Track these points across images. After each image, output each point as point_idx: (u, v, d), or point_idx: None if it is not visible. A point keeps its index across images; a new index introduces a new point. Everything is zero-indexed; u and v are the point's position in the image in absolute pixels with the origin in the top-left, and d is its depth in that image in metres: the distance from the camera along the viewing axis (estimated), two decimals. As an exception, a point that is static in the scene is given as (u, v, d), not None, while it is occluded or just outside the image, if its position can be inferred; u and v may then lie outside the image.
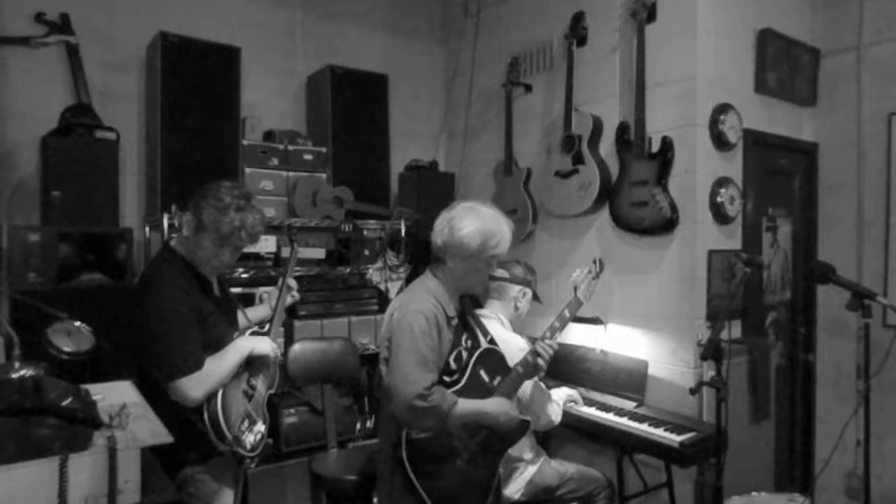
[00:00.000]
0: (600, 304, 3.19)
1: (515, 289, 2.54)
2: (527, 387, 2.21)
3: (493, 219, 1.97)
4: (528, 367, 2.04)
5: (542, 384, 2.34)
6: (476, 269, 1.98)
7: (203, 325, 1.88)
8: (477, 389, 1.96)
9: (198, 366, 1.79)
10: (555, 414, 2.35)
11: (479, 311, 2.42)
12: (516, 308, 2.56)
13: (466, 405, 1.88)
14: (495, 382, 2.01)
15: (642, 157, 2.96)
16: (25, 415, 1.36)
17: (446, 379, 1.91)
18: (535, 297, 2.67)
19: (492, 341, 2.12)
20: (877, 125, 3.23)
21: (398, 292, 3.63)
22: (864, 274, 3.25)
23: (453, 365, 1.94)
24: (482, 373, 1.99)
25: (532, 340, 2.14)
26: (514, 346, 2.30)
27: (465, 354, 1.97)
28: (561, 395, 2.55)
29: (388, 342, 1.92)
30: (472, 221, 1.93)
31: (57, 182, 2.73)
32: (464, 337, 2.01)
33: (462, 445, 1.92)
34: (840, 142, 3.39)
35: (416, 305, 1.89)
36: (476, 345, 2.04)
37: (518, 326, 2.60)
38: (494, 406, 1.94)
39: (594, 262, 2.34)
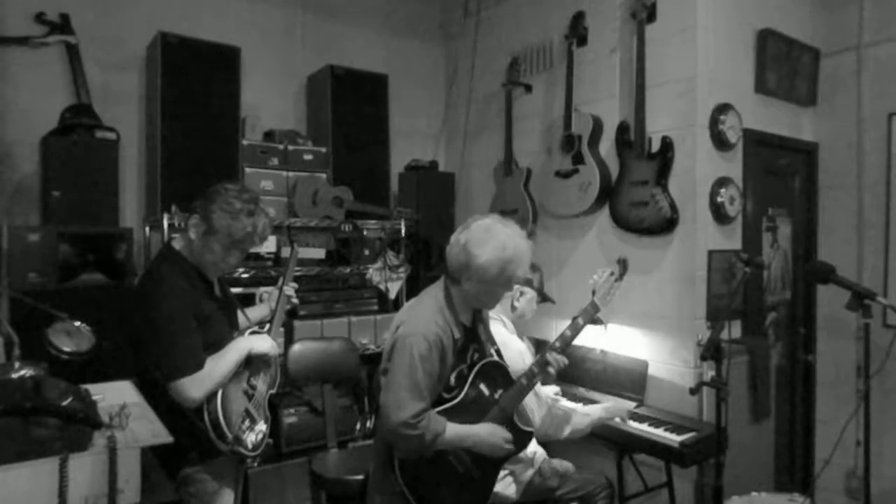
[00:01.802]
0: (600, 304, 3.19)
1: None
2: (529, 399, 2.16)
3: (512, 242, 1.87)
4: (533, 379, 2.00)
5: (541, 393, 2.30)
6: (493, 291, 1.94)
7: (204, 326, 1.88)
8: (476, 403, 1.93)
9: (198, 366, 1.79)
10: (554, 427, 2.30)
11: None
12: (513, 308, 2.54)
13: (454, 431, 1.84)
14: (497, 395, 1.97)
15: (642, 157, 2.96)
16: (25, 415, 1.36)
17: (445, 395, 1.89)
18: (545, 298, 2.64)
19: (498, 353, 2.07)
20: (877, 125, 3.23)
21: (398, 292, 3.63)
22: (864, 274, 3.25)
23: (454, 382, 1.92)
24: (483, 386, 1.95)
25: (537, 344, 2.10)
26: (512, 350, 2.28)
27: (466, 371, 1.94)
28: (590, 410, 2.50)
29: (389, 356, 1.89)
30: (490, 247, 1.85)
31: (57, 182, 2.74)
32: (469, 352, 1.97)
33: (457, 459, 1.91)
34: (840, 142, 3.39)
35: (422, 327, 1.84)
36: (481, 357, 2.00)
37: (522, 327, 2.59)
38: (481, 433, 1.90)
39: (617, 262, 2.19)
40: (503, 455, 1.96)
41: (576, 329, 2.08)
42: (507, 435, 1.94)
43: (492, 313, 2.44)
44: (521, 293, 2.55)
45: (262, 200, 2.22)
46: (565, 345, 2.04)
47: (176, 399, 1.78)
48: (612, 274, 2.16)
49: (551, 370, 1.99)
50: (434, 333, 1.83)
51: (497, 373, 2.00)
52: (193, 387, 1.77)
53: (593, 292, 2.14)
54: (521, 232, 1.94)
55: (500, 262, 1.85)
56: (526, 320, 2.63)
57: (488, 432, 1.92)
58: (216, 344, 1.90)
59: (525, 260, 1.91)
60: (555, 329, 3.44)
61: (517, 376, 2.03)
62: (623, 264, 2.19)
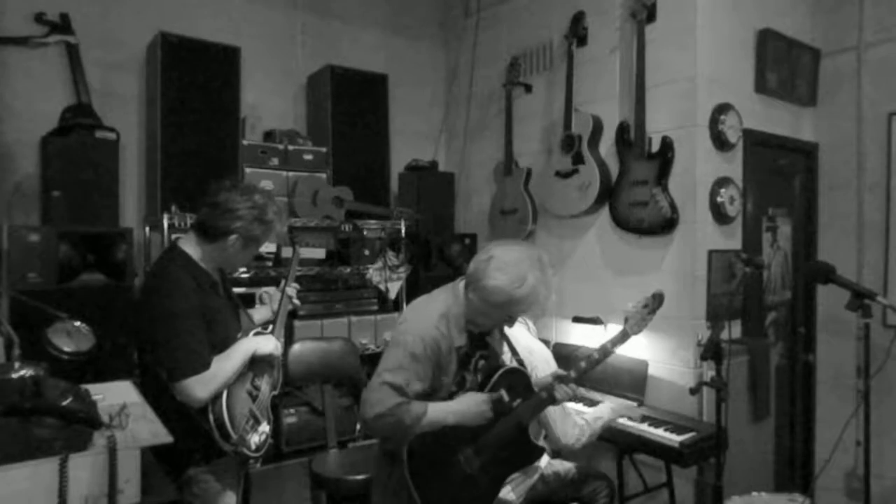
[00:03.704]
0: (600, 305, 3.19)
1: None
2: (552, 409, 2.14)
3: (530, 285, 1.81)
4: (553, 395, 1.98)
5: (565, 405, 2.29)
6: (489, 315, 1.89)
7: (210, 326, 1.88)
8: (493, 407, 1.92)
9: (204, 366, 1.79)
10: (575, 437, 2.27)
11: None
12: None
13: (435, 411, 1.83)
14: (515, 403, 1.95)
15: (642, 157, 2.96)
16: (25, 415, 1.36)
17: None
18: None
19: (521, 362, 2.06)
20: (877, 125, 3.23)
21: (398, 292, 3.63)
22: (864, 274, 3.25)
23: (454, 388, 1.92)
24: (503, 391, 1.94)
25: (572, 364, 2.06)
26: (538, 356, 2.27)
27: (469, 377, 1.94)
28: (600, 413, 2.45)
29: (387, 347, 1.91)
30: (506, 278, 1.79)
31: (57, 182, 2.73)
32: (474, 359, 1.96)
33: (466, 461, 1.91)
34: (840, 142, 3.39)
35: (422, 328, 1.83)
36: (495, 365, 1.99)
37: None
38: (459, 405, 1.88)
39: (653, 296, 2.11)
40: (484, 421, 1.91)
41: (604, 352, 2.05)
42: (483, 399, 1.90)
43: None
44: None
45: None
46: (591, 367, 2.03)
47: (181, 399, 1.78)
48: (645, 306, 2.10)
49: (558, 396, 1.96)
50: (432, 337, 1.82)
51: (519, 381, 1.99)
52: (199, 386, 1.77)
53: (626, 319, 2.09)
54: (550, 281, 1.88)
55: (505, 296, 1.80)
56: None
57: (465, 404, 1.88)
58: (222, 344, 1.90)
59: (533, 306, 1.86)
60: (555, 329, 3.45)
61: (538, 389, 2.02)
62: (658, 298, 2.11)
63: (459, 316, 1.90)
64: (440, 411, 1.86)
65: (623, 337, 2.06)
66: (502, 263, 1.82)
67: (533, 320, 2.60)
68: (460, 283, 1.96)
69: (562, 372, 2.05)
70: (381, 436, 1.82)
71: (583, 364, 2.02)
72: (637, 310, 2.09)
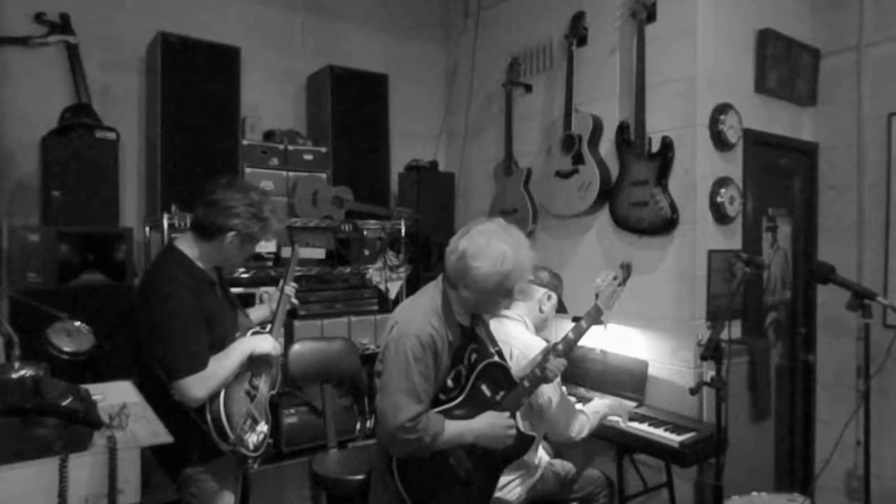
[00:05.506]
0: (600, 304, 3.19)
1: (541, 291, 2.49)
2: (546, 392, 2.14)
3: (512, 254, 1.82)
4: (536, 382, 1.99)
5: (566, 395, 2.27)
6: (492, 300, 1.91)
7: (207, 325, 1.88)
8: (477, 404, 1.92)
9: (202, 365, 1.79)
10: (577, 429, 2.28)
11: (504, 312, 2.36)
12: (541, 311, 2.52)
13: (452, 429, 1.83)
14: (498, 397, 1.96)
15: (642, 157, 2.96)
16: (25, 415, 1.36)
17: (442, 397, 1.88)
18: (560, 307, 2.65)
19: (500, 354, 2.06)
20: (877, 125, 3.23)
21: (398, 292, 3.63)
22: (864, 274, 3.25)
23: (451, 384, 1.91)
24: (484, 387, 1.94)
25: (547, 351, 2.07)
26: (537, 352, 2.28)
27: (464, 371, 1.94)
28: (598, 407, 2.46)
29: (383, 357, 1.89)
30: (489, 261, 1.80)
31: (57, 182, 2.73)
32: (467, 353, 1.96)
33: (458, 463, 1.90)
34: (840, 142, 3.39)
35: (415, 328, 1.82)
36: (481, 358, 1.99)
37: (542, 330, 2.59)
38: (481, 426, 1.88)
39: (621, 266, 2.16)
40: (508, 444, 1.93)
41: (579, 332, 2.07)
42: (509, 422, 1.92)
43: (514, 314, 2.42)
44: (549, 297, 2.53)
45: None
46: (568, 348, 2.03)
47: (178, 398, 1.78)
48: (615, 278, 2.13)
49: (550, 375, 1.98)
50: (427, 334, 1.81)
51: (499, 374, 1.99)
52: (197, 386, 1.77)
53: (596, 296, 2.11)
54: (523, 240, 1.89)
55: (498, 276, 1.81)
56: (548, 324, 2.62)
57: (488, 424, 1.89)
58: (220, 343, 1.90)
59: (526, 270, 1.87)
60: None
61: (533, 368, 2.01)
62: (627, 269, 2.16)
63: (448, 311, 1.90)
64: (458, 428, 1.85)
65: (596, 312, 2.08)
66: (475, 252, 1.82)
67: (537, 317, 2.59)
68: (440, 285, 1.96)
69: (549, 345, 2.04)
70: (402, 452, 1.80)
71: (560, 346, 2.02)
72: (607, 282, 2.11)
